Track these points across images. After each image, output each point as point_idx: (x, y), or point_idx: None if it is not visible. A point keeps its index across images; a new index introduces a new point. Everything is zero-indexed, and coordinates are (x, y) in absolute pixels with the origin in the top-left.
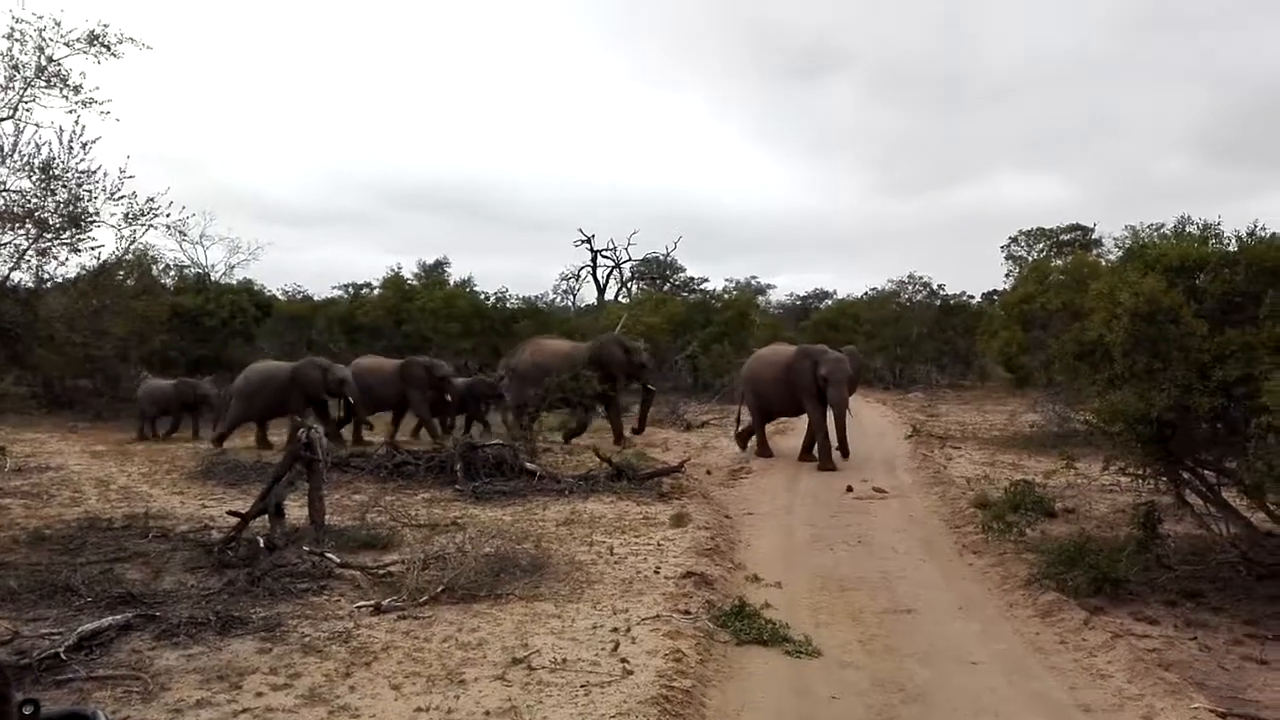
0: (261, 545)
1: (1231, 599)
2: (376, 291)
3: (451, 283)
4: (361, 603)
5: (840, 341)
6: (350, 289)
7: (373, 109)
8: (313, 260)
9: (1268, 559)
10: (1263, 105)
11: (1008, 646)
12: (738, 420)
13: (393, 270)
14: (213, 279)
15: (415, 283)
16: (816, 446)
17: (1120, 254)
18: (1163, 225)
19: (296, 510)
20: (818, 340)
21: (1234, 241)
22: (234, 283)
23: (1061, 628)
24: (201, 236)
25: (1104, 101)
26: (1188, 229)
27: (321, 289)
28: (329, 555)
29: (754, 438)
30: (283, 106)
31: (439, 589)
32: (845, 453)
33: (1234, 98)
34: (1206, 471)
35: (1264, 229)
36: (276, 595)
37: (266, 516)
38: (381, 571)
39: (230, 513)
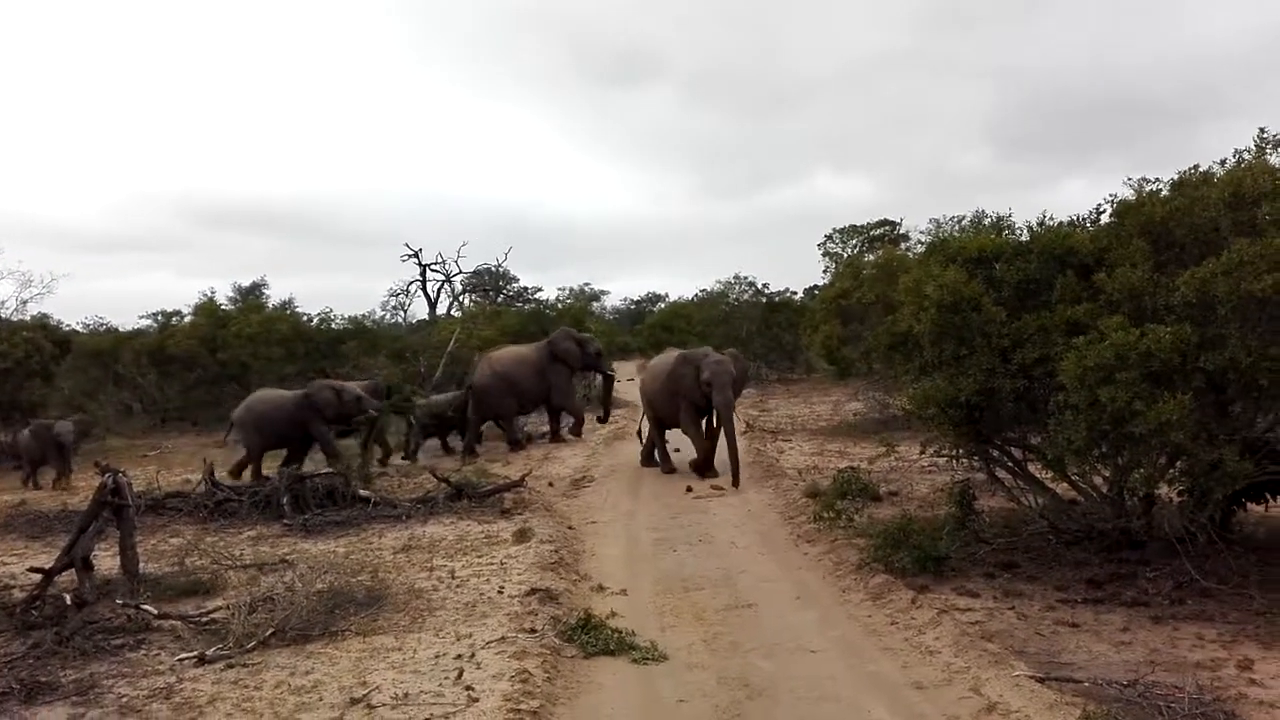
0: (69, 602)
1: (1043, 567)
2: (188, 319)
3: (270, 305)
4: (184, 655)
5: (674, 343)
6: (159, 318)
7: (177, 125)
8: (118, 289)
9: (1073, 526)
10: (1050, 101)
11: (843, 632)
12: (639, 434)
13: (205, 296)
14: (2, 317)
15: (230, 307)
16: (702, 455)
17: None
18: (963, 218)
19: (108, 560)
20: (655, 343)
21: (1026, 232)
22: (27, 319)
23: (891, 608)
24: None
25: (907, 100)
26: (984, 222)
27: (128, 319)
28: (145, 606)
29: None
30: (75, 125)
31: (268, 632)
32: (735, 468)
33: (1024, 94)
34: (1013, 449)
35: (1052, 219)
36: (89, 654)
37: (74, 570)
38: (205, 619)
39: (32, 569)
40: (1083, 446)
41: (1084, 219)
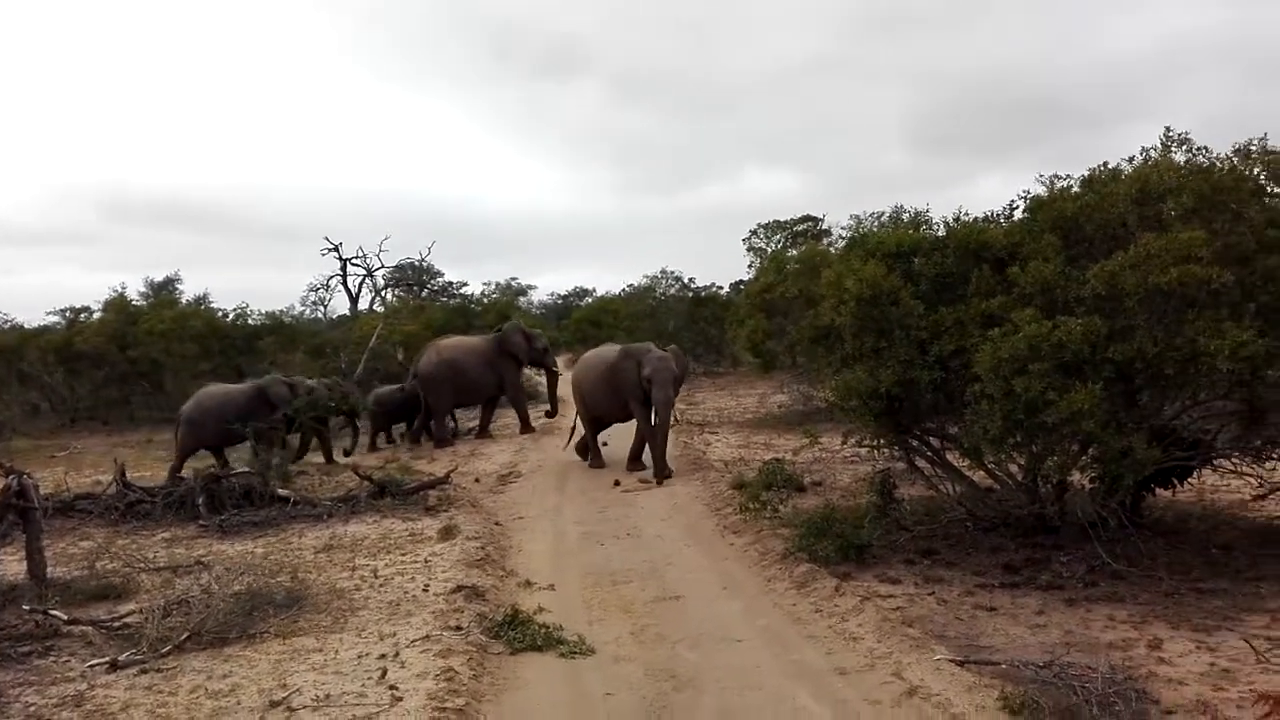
0: None
1: (962, 553)
2: (97, 316)
3: (184, 301)
4: (95, 661)
5: (602, 339)
6: (67, 314)
7: (84, 116)
8: (22, 285)
9: (990, 513)
10: (968, 102)
11: (769, 621)
12: (573, 430)
13: (116, 291)
14: None
15: (142, 304)
16: (648, 453)
17: (846, 242)
18: (882, 214)
19: (14, 565)
20: (582, 338)
21: (942, 227)
22: None
23: (816, 597)
24: None
25: (832, 101)
26: (903, 217)
27: (34, 316)
28: (54, 612)
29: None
30: None
31: (183, 636)
32: (660, 462)
33: (943, 95)
34: (932, 438)
35: (967, 214)
36: None
37: None
38: (117, 624)
39: None
40: (998, 435)
41: (998, 215)
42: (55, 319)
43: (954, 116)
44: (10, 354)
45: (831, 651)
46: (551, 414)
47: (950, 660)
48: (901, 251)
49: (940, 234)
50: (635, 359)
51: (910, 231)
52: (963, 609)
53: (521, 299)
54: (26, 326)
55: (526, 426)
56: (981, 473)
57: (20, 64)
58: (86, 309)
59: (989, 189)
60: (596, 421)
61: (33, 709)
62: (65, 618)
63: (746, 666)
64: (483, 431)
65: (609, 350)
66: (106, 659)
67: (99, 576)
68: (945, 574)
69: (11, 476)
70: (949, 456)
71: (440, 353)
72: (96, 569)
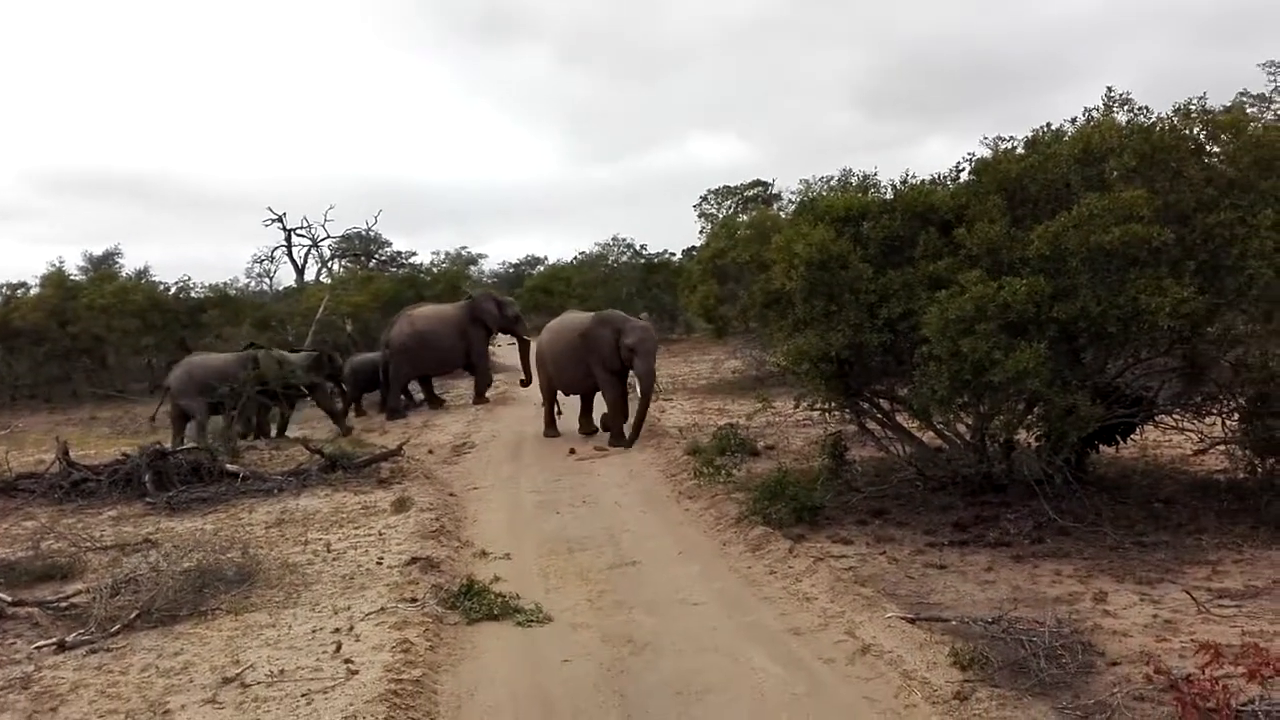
0: None
1: (912, 513)
2: (34, 291)
3: (124, 275)
4: (42, 642)
5: (554, 307)
6: (4, 290)
7: (20, 86)
8: None
9: (939, 473)
10: (914, 65)
11: (724, 584)
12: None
13: (54, 266)
14: None
15: (81, 278)
16: (612, 423)
17: (795, 207)
18: (831, 178)
19: None
20: (534, 306)
21: (890, 190)
22: None
23: (770, 559)
24: None
25: (780, 64)
26: (851, 181)
27: None
28: None
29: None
30: None
31: (133, 614)
32: (636, 434)
33: (890, 58)
34: (882, 400)
35: (914, 177)
36: None
37: None
38: (64, 604)
39: None
40: (946, 396)
41: (944, 177)
42: None
43: (900, 79)
44: None
45: (785, 613)
46: (525, 383)
47: (902, 618)
48: (850, 216)
49: (888, 197)
50: (613, 327)
51: (859, 195)
52: (913, 567)
53: (472, 268)
54: None
55: (481, 397)
56: (930, 433)
57: None
58: (23, 284)
59: (935, 151)
60: (556, 392)
61: None
62: (10, 599)
63: (703, 629)
64: (528, 378)
65: (578, 317)
66: (54, 640)
67: (44, 557)
68: (896, 533)
69: None
70: (899, 418)
71: (413, 322)
72: (41, 549)
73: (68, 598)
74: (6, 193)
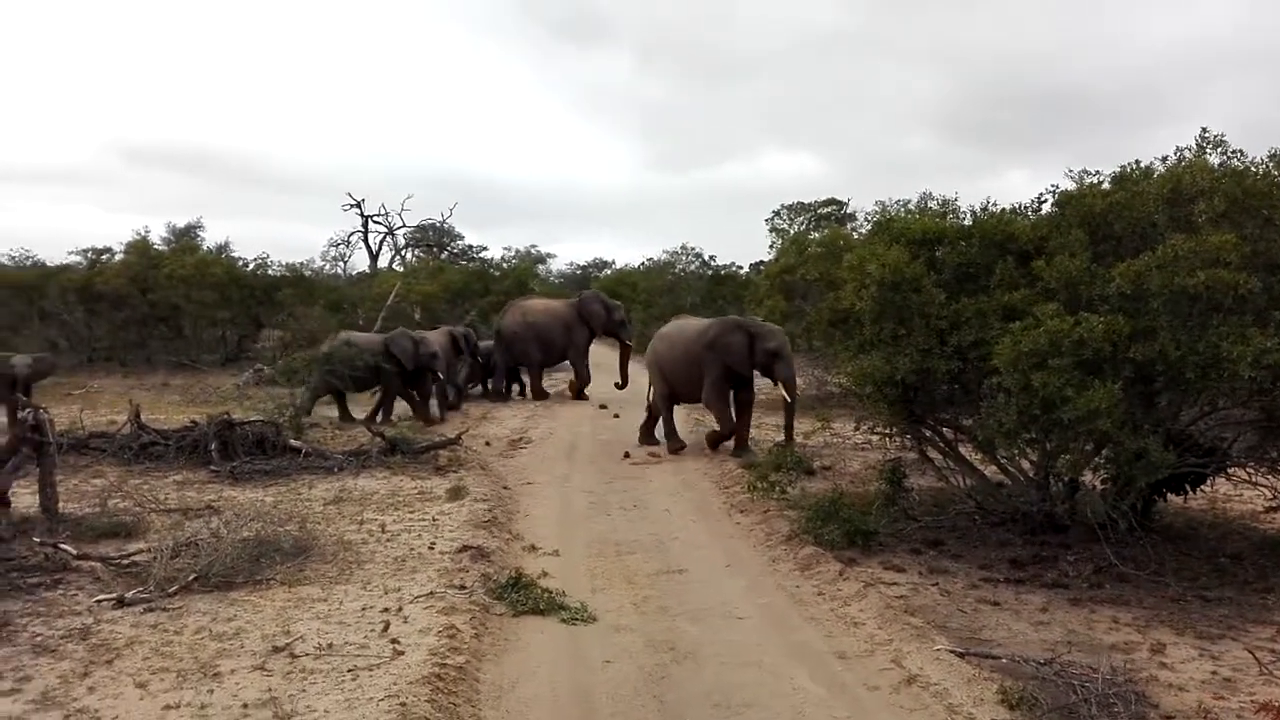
0: None
1: (969, 546)
2: (119, 257)
3: (205, 248)
4: (102, 596)
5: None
6: (89, 254)
7: (110, 59)
8: (45, 223)
9: (999, 508)
10: (996, 90)
11: (771, 600)
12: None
13: (139, 234)
14: None
15: (164, 248)
16: (738, 432)
17: (871, 226)
18: (908, 200)
19: (27, 498)
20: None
21: (969, 216)
22: None
23: (819, 580)
24: None
25: (856, 79)
26: (929, 205)
27: (56, 255)
28: (64, 546)
29: (659, 428)
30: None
31: (190, 577)
32: (790, 437)
33: (971, 82)
34: (945, 429)
35: (994, 204)
36: (3, 592)
37: None
38: (125, 561)
39: None
40: (1013, 430)
41: (1026, 207)
42: (77, 258)
43: (982, 105)
44: (31, 291)
45: (832, 635)
46: (621, 385)
47: (951, 651)
48: (926, 239)
49: (966, 223)
50: (747, 332)
51: (936, 219)
52: (966, 601)
53: (540, 267)
54: (48, 264)
55: (580, 394)
56: (993, 467)
57: (38, 7)
58: (108, 250)
59: (1015, 182)
60: (674, 399)
61: (39, 639)
62: (75, 552)
63: (746, 643)
64: (624, 381)
65: (697, 323)
66: (114, 595)
67: (110, 514)
68: (950, 565)
69: (28, 410)
70: (961, 449)
71: (525, 314)
72: (108, 507)
73: (130, 555)
74: (91, 161)
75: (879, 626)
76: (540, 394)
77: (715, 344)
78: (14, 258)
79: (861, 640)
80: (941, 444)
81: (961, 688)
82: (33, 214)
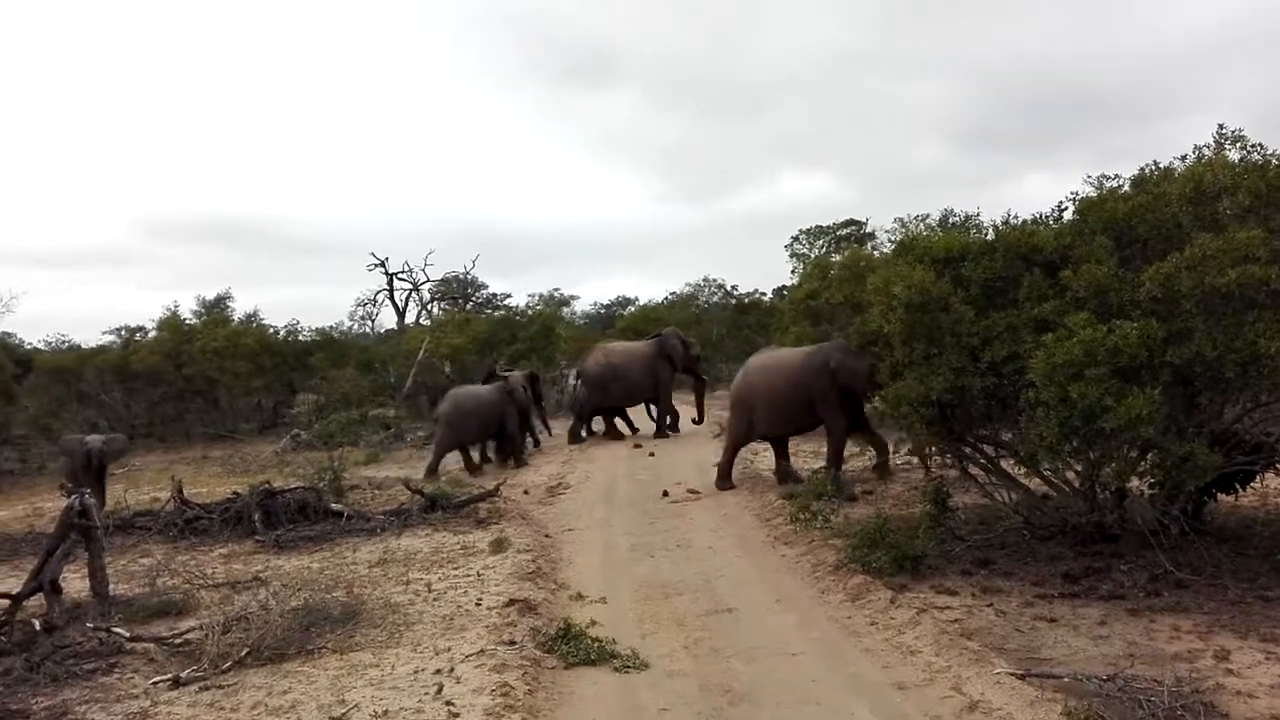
0: (39, 627)
1: (1019, 563)
2: (152, 334)
3: (235, 318)
4: (158, 677)
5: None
6: (122, 333)
7: (132, 138)
8: (79, 305)
9: (1047, 521)
10: (1008, 96)
11: (823, 634)
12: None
13: (169, 310)
14: None
15: (195, 321)
16: (879, 455)
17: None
18: (927, 215)
19: (77, 583)
20: None
21: (991, 230)
22: None
23: (871, 609)
24: None
25: (868, 98)
26: (951, 221)
27: (90, 336)
28: (117, 629)
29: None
30: (27, 140)
31: (243, 652)
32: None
33: (982, 89)
34: (986, 445)
35: (1016, 216)
36: (60, 680)
37: (42, 594)
38: (178, 640)
39: (0, 594)
40: (1054, 442)
41: (1047, 216)
42: (111, 338)
43: (995, 112)
44: (69, 374)
45: (889, 665)
46: (698, 421)
47: (1011, 674)
48: (951, 256)
49: (989, 238)
50: (862, 359)
51: (959, 236)
52: (1022, 620)
53: (565, 309)
54: (84, 346)
55: (662, 431)
56: (1037, 480)
57: (61, 89)
58: (141, 328)
59: (1034, 187)
60: (749, 436)
61: None
62: (128, 635)
63: (803, 681)
64: (701, 417)
65: (795, 353)
66: (169, 676)
67: (159, 593)
68: (1003, 584)
69: (74, 496)
70: (1003, 464)
71: (607, 356)
72: (157, 586)
73: (182, 634)
74: (119, 239)
75: (936, 653)
76: (612, 434)
77: (821, 371)
78: (50, 342)
79: (919, 669)
80: (983, 461)
81: (1025, 711)
82: (64, 296)
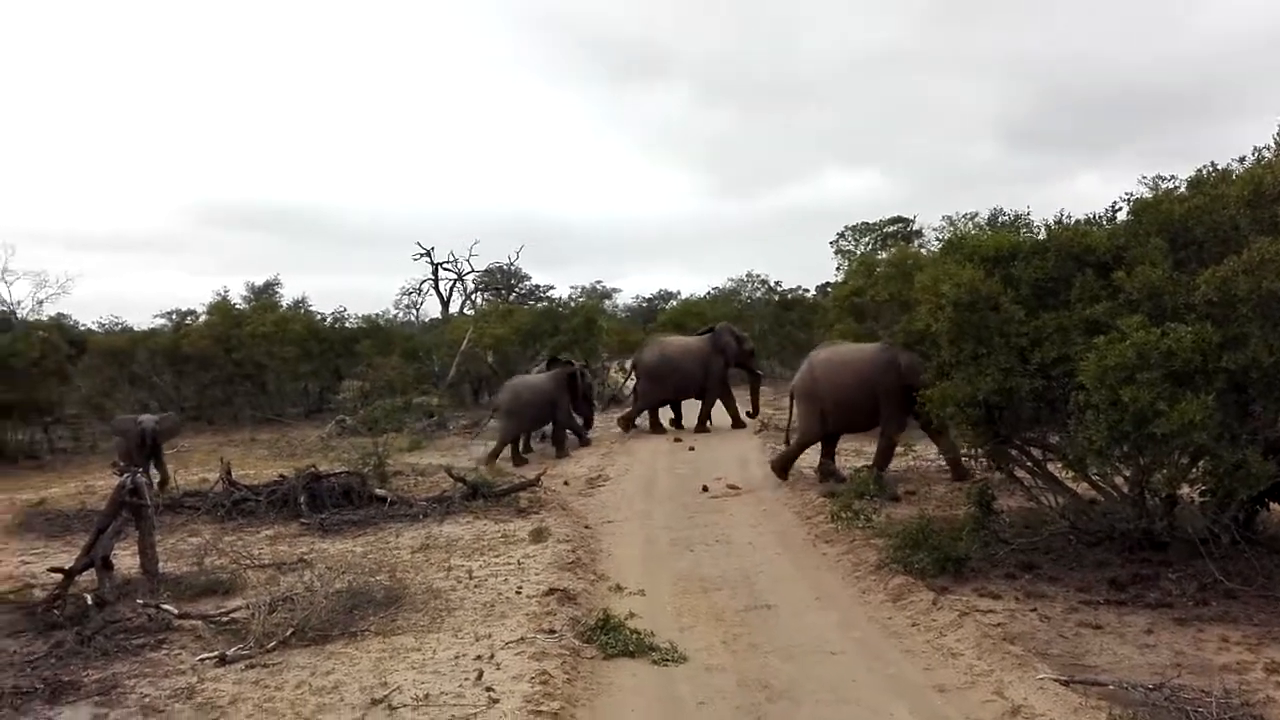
0: (90, 602)
1: (1065, 568)
2: (202, 319)
3: (284, 304)
4: (204, 654)
5: None
6: (174, 317)
7: (184, 125)
8: (131, 289)
9: (1094, 527)
10: (1060, 94)
11: (864, 633)
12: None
13: (219, 295)
14: (18, 317)
15: (244, 306)
16: (951, 453)
17: (940, 244)
18: (975, 214)
19: (128, 560)
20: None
21: (1043, 230)
22: (43, 319)
23: (912, 610)
24: (2, 272)
25: (917, 94)
26: (1000, 219)
27: (142, 319)
28: (165, 606)
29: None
30: (84, 126)
31: (288, 632)
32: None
33: (1034, 87)
34: (1032, 448)
35: (1069, 216)
36: (110, 654)
37: (94, 570)
38: (225, 619)
39: (53, 569)
40: (1104, 446)
41: (1101, 217)
42: (162, 321)
43: (1047, 109)
44: (121, 356)
45: (930, 667)
46: (754, 414)
47: (1055, 679)
48: (1001, 255)
49: (1041, 237)
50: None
51: (1010, 234)
52: (1067, 626)
53: (607, 302)
54: (136, 329)
55: (703, 426)
56: (1085, 484)
57: (116, 77)
58: (192, 312)
59: (1086, 187)
60: (823, 432)
61: (147, 700)
62: (176, 612)
63: (842, 679)
64: (756, 411)
65: (863, 349)
66: (215, 653)
67: (207, 572)
68: (1048, 589)
69: (125, 474)
70: (1050, 467)
71: (664, 349)
72: (205, 565)
73: (228, 613)
74: (170, 225)
75: (978, 656)
76: (655, 427)
77: (909, 369)
78: (103, 324)
79: (961, 672)
80: (1029, 463)
81: (1069, 717)
82: (117, 279)
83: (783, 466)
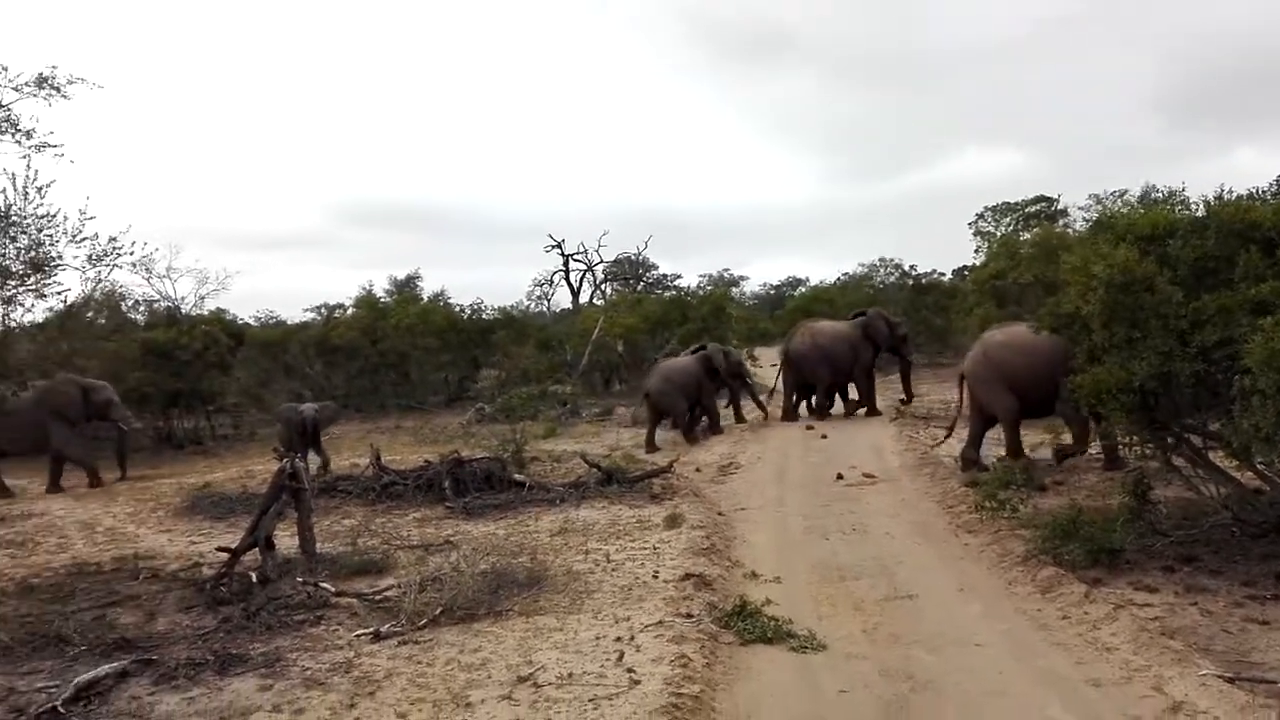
0: (254, 579)
1: (1228, 561)
2: (350, 311)
3: (425, 297)
4: (360, 631)
5: None
6: (323, 310)
7: (326, 127)
8: (284, 284)
9: (1259, 518)
10: (1215, 67)
11: (1011, 625)
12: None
13: (364, 289)
14: (183, 312)
15: (388, 300)
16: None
17: (1087, 224)
18: (1125, 192)
19: (287, 540)
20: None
21: (1202, 206)
22: (205, 313)
23: (1063, 602)
24: (169, 270)
25: (1059, 70)
26: (1153, 196)
27: (293, 312)
28: (323, 584)
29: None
30: (240, 133)
31: (438, 610)
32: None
33: (1186, 60)
34: (1192, 436)
35: (1230, 191)
36: (274, 629)
37: (257, 550)
38: (378, 597)
39: (220, 548)
40: (1271, 433)
41: (1264, 192)
42: (312, 315)
43: (1197, 84)
44: (276, 347)
45: (1082, 661)
46: (907, 401)
47: (1218, 676)
48: (1156, 234)
49: (1200, 214)
50: None
51: (1165, 212)
52: (1230, 621)
53: (734, 290)
54: (288, 322)
55: (873, 409)
56: (1249, 473)
57: (271, 85)
58: (340, 305)
59: (1243, 162)
60: (1018, 414)
61: (309, 672)
62: (333, 590)
63: (989, 672)
64: (909, 397)
65: (1041, 335)
66: (370, 629)
67: (360, 552)
68: (1209, 583)
69: (285, 460)
70: (1211, 456)
71: (813, 335)
72: (358, 545)
73: (381, 591)
74: (316, 224)
75: (1134, 651)
76: (788, 415)
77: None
78: (259, 318)
79: (1116, 666)
80: (1189, 451)
81: (1235, 716)
82: (271, 276)
83: (969, 454)
